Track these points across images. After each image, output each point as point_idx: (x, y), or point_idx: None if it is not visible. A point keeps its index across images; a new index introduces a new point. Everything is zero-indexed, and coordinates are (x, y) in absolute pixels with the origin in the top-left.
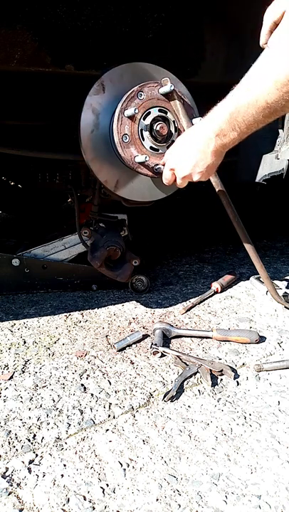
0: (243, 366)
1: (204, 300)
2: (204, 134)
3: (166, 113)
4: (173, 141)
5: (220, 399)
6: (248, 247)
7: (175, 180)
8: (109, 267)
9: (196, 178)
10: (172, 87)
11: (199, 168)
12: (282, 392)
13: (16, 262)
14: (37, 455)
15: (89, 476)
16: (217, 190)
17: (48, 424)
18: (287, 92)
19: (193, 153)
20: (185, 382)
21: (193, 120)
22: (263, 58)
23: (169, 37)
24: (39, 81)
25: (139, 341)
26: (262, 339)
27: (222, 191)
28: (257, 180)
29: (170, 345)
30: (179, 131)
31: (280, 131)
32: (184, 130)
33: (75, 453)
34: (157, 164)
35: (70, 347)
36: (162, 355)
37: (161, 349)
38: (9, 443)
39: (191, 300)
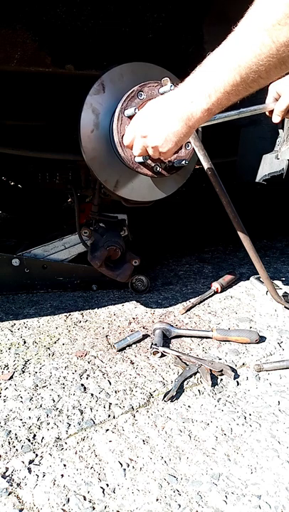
0: (243, 366)
1: (204, 300)
2: (171, 99)
3: None
4: None
5: (220, 399)
6: (248, 247)
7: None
8: (109, 267)
9: (165, 149)
10: (172, 87)
11: (172, 137)
12: (282, 392)
13: (16, 262)
14: (37, 455)
15: (89, 476)
16: (217, 190)
17: (48, 424)
18: (258, 54)
19: (170, 121)
20: (185, 382)
21: None
22: (239, 23)
23: (169, 37)
24: (39, 81)
25: (139, 341)
26: (262, 339)
27: (222, 191)
28: (257, 180)
29: (170, 345)
30: None
31: (280, 131)
32: None
33: (75, 453)
34: (157, 164)
35: (70, 347)
36: (162, 355)
37: (161, 349)
38: (9, 443)
39: (191, 300)
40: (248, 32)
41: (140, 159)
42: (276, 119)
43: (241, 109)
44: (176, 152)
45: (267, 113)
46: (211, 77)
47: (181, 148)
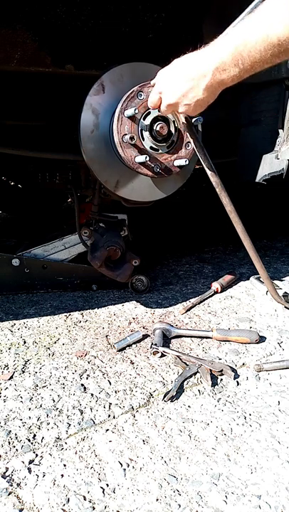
0: (243, 366)
1: (204, 300)
2: (202, 64)
3: None
4: (173, 141)
5: (220, 399)
6: (248, 247)
7: (160, 106)
8: (109, 267)
9: (181, 109)
10: None
11: (187, 99)
12: (282, 392)
13: (16, 262)
14: (37, 455)
15: (89, 476)
16: (217, 190)
17: (48, 424)
18: None
19: (185, 82)
20: (185, 382)
21: (193, 119)
22: None
23: (169, 37)
24: (39, 81)
25: (139, 341)
26: (262, 339)
27: (222, 191)
28: (257, 180)
29: (170, 345)
30: (178, 131)
31: (280, 131)
32: (183, 130)
33: (75, 453)
34: (157, 164)
35: (70, 347)
36: (162, 355)
37: (161, 349)
38: (9, 443)
39: (191, 300)
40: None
41: (140, 159)
42: None
43: None
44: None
45: None
46: (247, 47)
47: (181, 148)
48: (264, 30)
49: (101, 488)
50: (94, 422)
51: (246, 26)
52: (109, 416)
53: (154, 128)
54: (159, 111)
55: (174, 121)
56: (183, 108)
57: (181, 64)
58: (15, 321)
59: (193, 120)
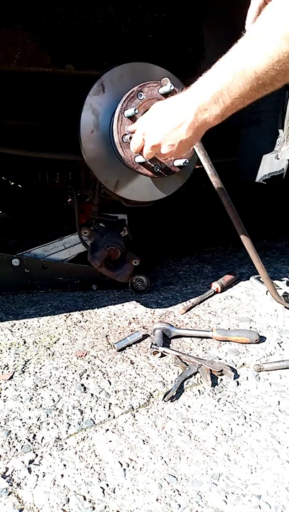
0: (243, 366)
1: (204, 300)
2: (184, 105)
3: None
4: None
5: (220, 399)
6: (248, 247)
7: (142, 150)
8: (109, 267)
9: (164, 150)
10: (172, 87)
11: (171, 140)
12: (282, 392)
13: (16, 262)
14: (37, 455)
15: (89, 476)
16: (217, 190)
17: (48, 424)
18: (277, 61)
19: (168, 123)
20: (185, 382)
21: None
22: (253, 27)
23: (169, 37)
24: (39, 81)
25: (139, 341)
26: (262, 339)
27: (222, 191)
28: (257, 180)
29: (170, 345)
30: None
31: (280, 131)
32: None
33: (75, 453)
34: (157, 164)
35: (70, 347)
36: (162, 355)
37: (161, 349)
38: (9, 443)
39: (191, 300)
40: (265, 39)
41: (140, 159)
42: None
43: None
44: None
45: None
46: (225, 84)
47: None
48: (240, 64)
49: (101, 488)
50: (94, 422)
51: (223, 62)
52: (109, 416)
53: None
54: (141, 154)
55: None
56: (166, 149)
57: (163, 106)
58: (15, 321)
59: None
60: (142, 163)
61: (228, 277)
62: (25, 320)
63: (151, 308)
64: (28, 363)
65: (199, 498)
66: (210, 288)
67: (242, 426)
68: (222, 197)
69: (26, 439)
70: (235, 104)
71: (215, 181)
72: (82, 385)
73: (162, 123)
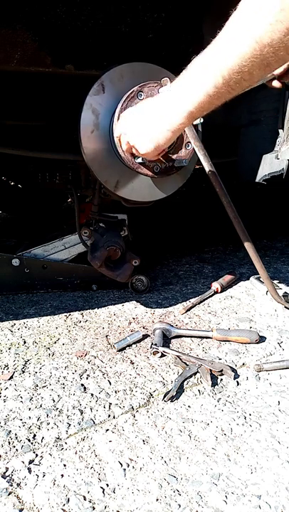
0: (243, 366)
1: (204, 300)
2: (164, 107)
3: None
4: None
5: (220, 399)
6: (248, 247)
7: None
8: (110, 267)
9: (143, 149)
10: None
11: (149, 138)
12: (282, 392)
13: (16, 262)
14: (37, 455)
15: (89, 476)
16: (217, 190)
17: (48, 424)
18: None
19: (150, 126)
20: (185, 382)
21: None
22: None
23: (169, 37)
24: (39, 81)
25: (139, 341)
26: (262, 339)
27: (222, 191)
28: (257, 180)
29: (170, 345)
30: None
31: (280, 131)
32: (183, 130)
33: (75, 453)
34: (157, 164)
35: (70, 347)
36: (162, 355)
37: (161, 349)
38: (9, 443)
39: (191, 300)
40: (231, 34)
41: (140, 159)
42: (276, 84)
43: None
44: (175, 153)
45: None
46: (193, 81)
47: (181, 148)
48: (215, 66)
49: (101, 488)
50: (94, 422)
51: (198, 67)
52: (109, 416)
53: None
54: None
55: None
56: (144, 150)
57: (147, 107)
58: (15, 321)
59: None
60: (142, 163)
61: (228, 277)
62: (25, 320)
63: (151, 308)
64: (28, 363)
65: (199, 498)
66: (210, 288)
67: (242, 426)
68: (222, 197)
69: (26, 439)
70: (203, 103)
71: (215, 181)
72: (82, 385)
73: (145, 126)
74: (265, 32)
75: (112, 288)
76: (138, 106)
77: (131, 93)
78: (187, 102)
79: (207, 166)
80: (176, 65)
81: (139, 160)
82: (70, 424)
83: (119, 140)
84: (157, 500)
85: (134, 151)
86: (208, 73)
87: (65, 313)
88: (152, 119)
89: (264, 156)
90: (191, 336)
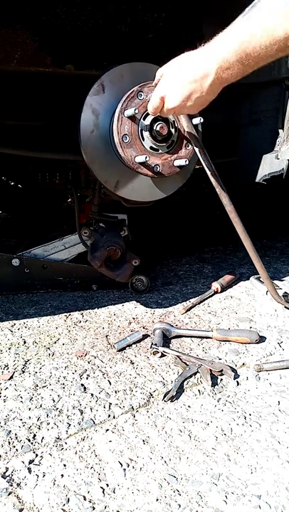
0: (243, 366)
1: (204, 300)
2: (205, 64)
3: None
4: (173, 141)
5: (220, 399)
6: (248, 247)
7: (162, 109)
8: (110, 267)
9: (184, 111)
10: None
11: (190, 101)
12: (282, 392)
13: (16, 262)
14: (37, 455)
15: (89, 476)
16: (217, 190)
17: (48, 424)
18: None
19: (188, 84)
20: (185, 382)
21: (193, 120)
22: None
23: (169, 37)
24: (39, 81)
25: (139, 341)
26: (262, 339)
27: (222, 191)
28: (257, 180)
29: (170, 345)
30: (178, 131)
31: (280, 131)
32: (183, 130)
33: (75, 453)
34: (157, 164)
35: (70, 347)
36: (162, 355)
37: (161, 349)
38: (9, 443)
39: (191, 300)
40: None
41: (140, 159)
42: None
43: None
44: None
45: None
46: (251, 42)
47: (181, 148)
48: (270, 25)
49: (101, 488)
50: (94, 422)
51: (250, 22)
52: (109, 416)
53: (154, 128)
54: (158, 115)
55: (174, 122)
56: (186, 110)
57: (181, 64)
58: (15, 321)
59: (194, 120)
60: (142, 163)
61: (228, 277)
62: (25, 320)
63: (151, 308)
64: (28, 363)
65: (199, 498)
66: (210, 288)
67: (242, 426)
68: (222, 197)
69: (26, 439)
70: (258, 64)
71: (215, 181)
72: (82, 385)
73: (182, 84)
74: None
75: (112, 288)
76: (180, 67)
77: (131, 93)
78: (239, 63)
79: (207, 166)
80: None
81: (139, 160)
82: (70, 424)
83: (161, 107)
84: (157, 500)
85: (182, 111)
86: (263, 36)
87: (65, 313)
88: (204, 84)
89: (264, 156)
90: (191, 336)
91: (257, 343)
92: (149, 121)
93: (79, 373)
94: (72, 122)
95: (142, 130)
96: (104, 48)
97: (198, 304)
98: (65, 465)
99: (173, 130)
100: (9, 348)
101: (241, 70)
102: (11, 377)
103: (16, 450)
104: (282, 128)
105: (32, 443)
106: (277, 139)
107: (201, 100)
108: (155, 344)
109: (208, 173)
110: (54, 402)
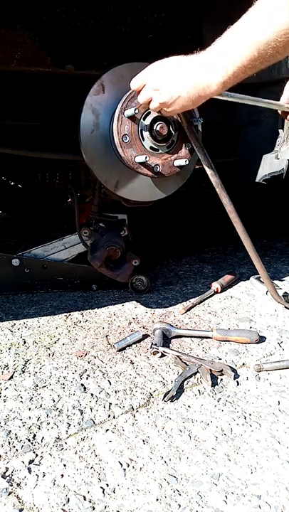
0: (243, 366)
1: (204, 300)
2: (200, 70)
3: None
4: (173, 141)
5: (220, 399)
6: (248, 247)
7: (149, 102)
8: (110, 267)
9: (171, 108)
10: None
11: (182, 100)
12: (282, 392)
13: (16, 262)
14: (37, 455)
15: (89, 476)
16: (217, 190)
17: (48, 424)
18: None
19: (185, 85)
20: (185, 382)
21: (193, 120)
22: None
23: (169, 37)
24: (39, 81)
25: (139, 341)
26: (262, 339)
27: (222, 191)
28: (257, 180)
29: (170, 345)
30: (178, 131)
31: (280, 131)
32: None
33: (75, 453)
34: (157, 164)
35: (70, 347)
36: (162, 355)
37: (161, 349)
38: (9, 443)
39: (191, 300)
40: (268, 9)
41: (140, 159)
42: None
43: (258, 98)
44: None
45: (280, 112)
46: (229, 51)
47: (181, 148)
48: (248, 35)
49: (101, 488)
50: (94, 422)
51: (233, 33)
52: (109, 416)
53: (154, 128)
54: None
55: (174, 122)
56: (173, 108)
57: (181, 65)
58: (15, 321)
59: (193, 120)
60: (142, 163)
61: (228, 277)
62: (25, 320)
63: (151, 308)
64: (28, 363)
65: (199, 498)
66: (210, 288)
67: (242, 426)
68: (222, 197)
69: (26, 439)
70: (237, 73)
71: (215, 181)
72: (82, 385)
73: (180, 81)
74: None
75: (112, 288)
76: (169, 64)
77: (131, 93)
78: (222, 71)
79: (207, 166)
80: None
81: (139, 160)
82: (70, 424)
83: (139, 90)
84: (157, 500)
85: (154, 105)
86: (244, 46)
87: (65, 313)
88: (186, 81)
89: (264, 156)
90: (191, 336)
91: (257, 343)
92: (149, 121)
93: (79, 373)
94: (72, 122)
95: (142, 130)
96: (104, 48)
97: (198, 304)
98: (65, 465)
99: (173, 130)
100: (9, 348)
101: (223, 81)
102: (11, 377)
103: (16, 450)
104: (282, 128)
105: (32, 443)
106: (277, 139)
107: (193, 102)
108: (155, 344)
109: (208, 173)
110: (54, 402)
